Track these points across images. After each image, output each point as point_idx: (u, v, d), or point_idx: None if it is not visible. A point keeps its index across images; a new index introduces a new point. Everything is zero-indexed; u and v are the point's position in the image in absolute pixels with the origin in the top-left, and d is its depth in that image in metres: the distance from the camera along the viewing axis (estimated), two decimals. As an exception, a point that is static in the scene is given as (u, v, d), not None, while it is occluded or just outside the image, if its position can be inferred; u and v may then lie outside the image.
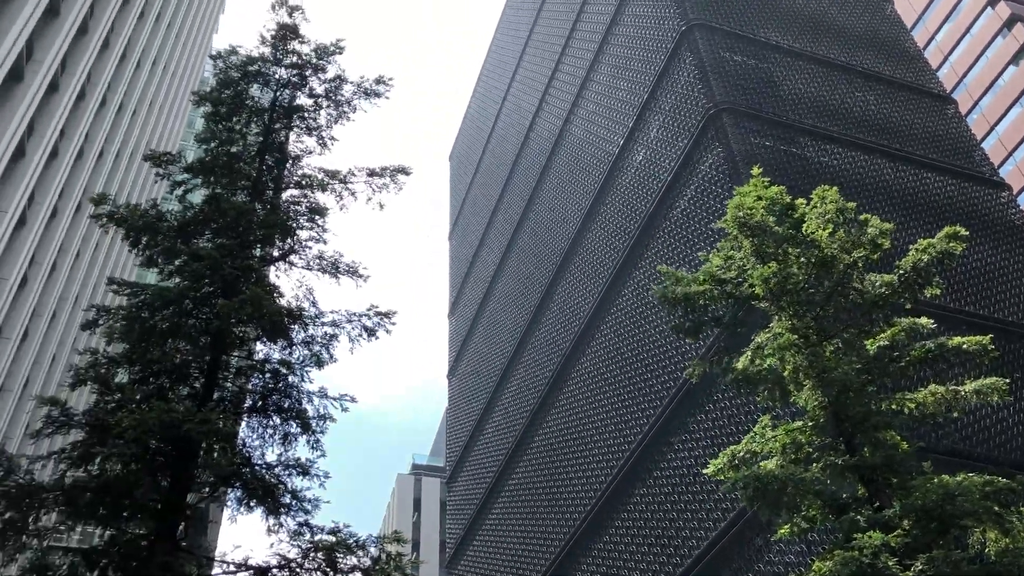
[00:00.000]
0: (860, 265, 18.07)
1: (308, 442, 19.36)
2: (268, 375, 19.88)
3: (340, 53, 23.50)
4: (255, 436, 19.42)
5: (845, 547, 14.72)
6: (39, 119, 34.81)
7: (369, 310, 20.68)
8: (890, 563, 13.98)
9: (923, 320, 17.25)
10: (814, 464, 16.51)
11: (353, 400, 19.79)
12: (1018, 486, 15.02)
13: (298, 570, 17.59)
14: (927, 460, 16.73)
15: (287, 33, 23.23)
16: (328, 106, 23.14)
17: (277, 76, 23.21)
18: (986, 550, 14.82)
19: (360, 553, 17.70)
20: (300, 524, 18.22)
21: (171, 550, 16.90)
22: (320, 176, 22.36)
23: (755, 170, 19.73)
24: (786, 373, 17.08)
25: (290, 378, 19.67)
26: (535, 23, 71.79)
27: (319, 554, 17.56)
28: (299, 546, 17.89)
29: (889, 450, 16.11)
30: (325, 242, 21.67)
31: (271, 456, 19.60)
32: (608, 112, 49.18)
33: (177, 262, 20.13)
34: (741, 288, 18.42)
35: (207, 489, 18.92)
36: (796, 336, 17.20)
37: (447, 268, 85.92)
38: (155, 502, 17.59)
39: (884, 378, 17.44)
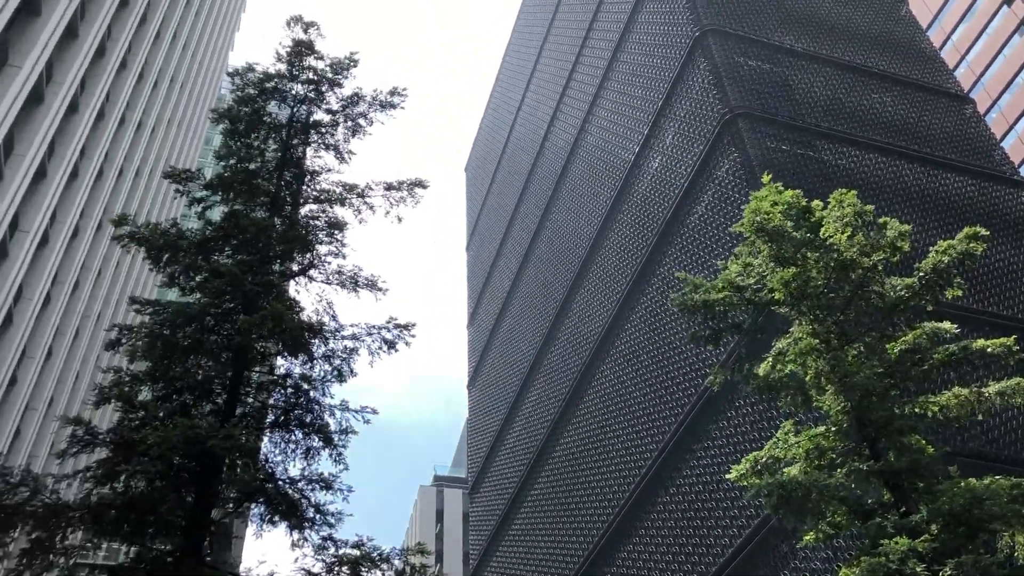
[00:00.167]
0: (880, 268, 17.97)
1: (331, 456, 19.43)
2: (290, 390, 19.97)
3: (355, 66, 23.66)
4: (277, 451, 19.52)
5: (872, 553, 14.61)
6: (59, 140, 35.19)
7: (388, 322, 20.76)
8: (918, 569, 13.86)
9: (946, 324, 17.08)
10: (838, 470, 16.40)
11: (374, 412, 19.82)
12: (1047, 489, 14.87)
13: (323, 584, 17.65)
14: (953, 464, 16.57)
15: (303, 49, 23.40)
16: (345, 120, 23.29)
17: (294, 92, 23.38)
18: (1015, 554, 14.68)
19: (384, 566, 17.72)
20: (324, 538, 18.27)
21: (196, 566, 16.98)
22: (338, 190, 22.49)
23: (765, 177, 19.69)
24: (808, 378, 16.99)
25: (311, 392, 19.75)
26: (547, 33, 71.95)
27: (344, 568, 17.59)
28: (323, 560, 17.94)
29: (914, 454, 15.97)
30: (344, 256, 21.78)
31: (294, 471, 19.69)
32: (623, 119, 49.16)
33: (198, 279, 20.30)
34: (760, 294, 18.36)
35: (231, 505, 19.00)
36: (817, 341, 17.11)
37: (463, 277, 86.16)
38: (180, 518, 17.68)
39: (907, 382, 17.31)
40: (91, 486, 17.57)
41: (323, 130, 23.22)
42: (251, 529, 18.73)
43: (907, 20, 48.50)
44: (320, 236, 21.74)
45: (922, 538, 14.40)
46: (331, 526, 18.39)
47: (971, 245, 17.48)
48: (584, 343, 47.44)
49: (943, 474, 16.03)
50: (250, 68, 23.70)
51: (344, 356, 20.43)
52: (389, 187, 22.68)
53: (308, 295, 21.63)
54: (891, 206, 33.69)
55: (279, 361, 20.99)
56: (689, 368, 34.71)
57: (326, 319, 20.98)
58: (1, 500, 16.57)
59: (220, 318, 19.68)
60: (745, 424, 29.88)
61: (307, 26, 23.74)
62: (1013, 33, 60.06)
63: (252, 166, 22.45)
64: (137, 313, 20.38)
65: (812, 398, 17.32)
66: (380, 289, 21.75)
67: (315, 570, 17.83)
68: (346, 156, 23.25)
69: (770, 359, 17.65)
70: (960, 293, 18.06)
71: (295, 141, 23.16)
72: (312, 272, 21.66)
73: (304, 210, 22.49)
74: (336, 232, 21.80)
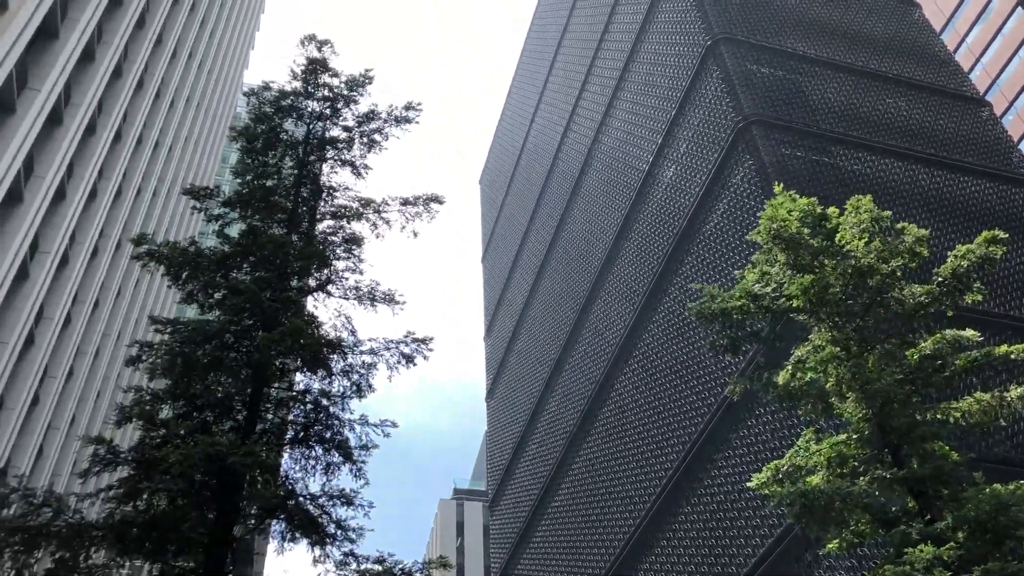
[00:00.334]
0: (898, 274, 17.86)
1: (351, 471, 19.46)
2: (309, 406, 20.03)
3: (370, 83, 23.81)
4: (298, 467, 19.58)
5: (897, 561, 14.46)
6: (78, 161, 35.53)
7: (406, 336, 20.82)
8: (944, 577, 13.72)
9: (968, 332, 16.92)
10: (861, 477, 16.26)
11: (394, 425, 19.87)
12: (1073, 494, 14.68)
13: (345, 600, 17.67)
14: (978, 470, 16.39)
15: (317, 67, 23.58)
16: (361, 137, 23.42)
17: (310, 109, 23.54)
18: (1042, 560, 14.49)
19: (407, 581, 17.73)
20: (345, 554, 18.31)
21: (219, 583, 17.03)
22: (355, 206, 22.62)
23: (777, 187, 19.62)
24: (828, 386, 16.88)
25: (331, 408, 19.80)
26: (560, 45, 72.16)
27: (366, 583, 17.61)
28: (345, 576, 17.96)
29: (938, 461, 15.81)
30: (361, 272, 21.87)
31: (314, 486, 19.74)
32: (637, 129, 49.19)
33: (217, 296, 20.40)
34: (778, 302, 18.27)
35: (252, 521, 19.05)
36: (837, 348, 17.01)
37: (479, 288, 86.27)
38: (202, 535, 17.74)
39: (928, 388, 17.16)
40: (113, 505, 17.67)
41: (339, 146, 23.36)
42: (272, 545, 18.80)
43: (920, 24, 48.32)
44: (337, 252, 21.86)
45: (947, 546, 14.22)
46: (352, 541, 18.44)
47: (990, 249, 17.33)
48: (602, 354, 47.34)
49: (968, 480, 15.84)
50: (266, 87, 23.90)
51: (363, 371, 20.52)
52: (405, 202, 22.78)
53: (326, 311, 21.74)
54: (908, 211, 33.50)
55: (298, 377, 21.08)
56: (708, 377, 34.57)
57: (344, 334, 21.08)
58: (25, 521, 16.71)
59: (239, 335, 19.78)
60: (765, 433, 29.72)
61: (321, 44, 23.94)
62: (1028, 34, 59.67)
63: (269, 183, 22.62)
64: (157, 332, 20.51)
65: (833, 406, 17.20)
66: (397, 303, 21.83)
67: (337, 585, 17.86)
68: (362, 171, 23.39)
69: (789, 367, 17.55)
70: (980, 298, 17.91)
71: (312, 158, 23.31)
72: (330, 287, 21.77)
73: (321, 226, 22.62)
74: (353, 247, 21.91)
